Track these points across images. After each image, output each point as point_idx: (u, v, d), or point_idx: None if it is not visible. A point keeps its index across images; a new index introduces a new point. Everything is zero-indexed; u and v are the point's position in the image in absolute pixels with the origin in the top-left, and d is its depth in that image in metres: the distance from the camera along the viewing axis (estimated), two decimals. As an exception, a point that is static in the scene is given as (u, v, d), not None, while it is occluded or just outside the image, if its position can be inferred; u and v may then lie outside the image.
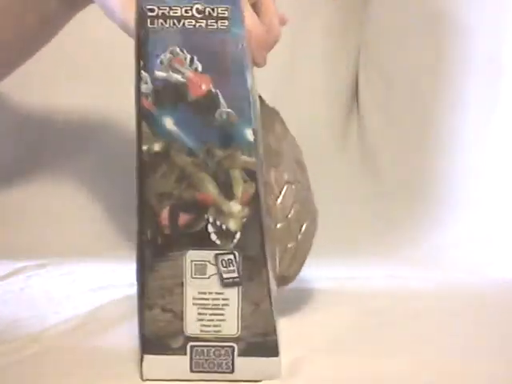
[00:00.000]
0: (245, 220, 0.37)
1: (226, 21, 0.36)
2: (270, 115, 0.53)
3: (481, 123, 0.80)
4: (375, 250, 0.75)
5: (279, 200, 0.50)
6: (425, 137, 0.86)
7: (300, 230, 0.53)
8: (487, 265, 0.69)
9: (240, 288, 0.37)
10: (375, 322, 0.51)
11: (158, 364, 0.38)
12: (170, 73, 0.36)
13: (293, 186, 0.54)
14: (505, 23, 0.78)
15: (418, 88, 0.89)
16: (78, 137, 0.81)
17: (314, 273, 0.61)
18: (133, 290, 0.57)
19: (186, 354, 0.38)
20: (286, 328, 0.42)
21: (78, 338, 0.46)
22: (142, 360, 0.38)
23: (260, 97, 0.48)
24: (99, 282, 0.58)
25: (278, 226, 0.50)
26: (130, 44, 0.38)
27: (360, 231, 0.80)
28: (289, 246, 0.52)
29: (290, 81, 0.94)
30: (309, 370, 0.40)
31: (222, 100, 0.36)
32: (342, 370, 0.40)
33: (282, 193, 0.52)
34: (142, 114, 0.36)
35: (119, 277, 0.59)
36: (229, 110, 0.36)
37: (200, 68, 0.36)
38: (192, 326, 0.38)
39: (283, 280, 0.50)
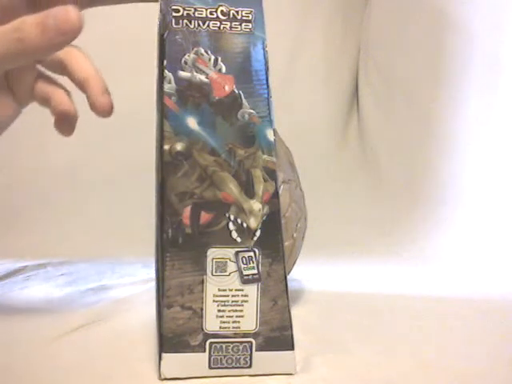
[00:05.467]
0: (265, 218, 0.38)
1: (250, 24, 0.37)
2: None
3: (480, 123, 0.82)
4: (375, 249, 0.76)
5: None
6: (425, 136, 0.87)
7: (295, 228, 0.55)
8: (487, 265, 0.72)
9: (259, 284, 0.38)
10: (375, 321, 0.52)
11: (177, 362, 0.38)
12: (194, 73, 0.36)
13: (288, 185, 0.55)
14: (504, 23, 0.80)
15: (417, 88, 0.90)
16: (80, 138, 0.78)
17: (314, 272, 0.62)
18: (133, 289, 0.57)
19: (204, 351, 0.38)
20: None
21: (81, 338, 0.45)
22: (160, 359, 0.38)
23: None
24: (99, 282, 0.57)
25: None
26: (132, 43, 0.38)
27: (360, 231, 0.81)
28: (286, 244, 0.53)
29: (291, 81, 0.94)
30: (309, 369, 0.40)
31: (244, 101, 0.37)
32: (340, 369, 0.41)
33: (280, 192, 0.54)
34: (165, 114, 0.36)
35: (119, 277, 0.59)
36: (251, 110, 0.37)
37: (224, 69, 0.37)
38: (211, 323, 0.38)
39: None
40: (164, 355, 0.38)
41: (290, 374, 0.39)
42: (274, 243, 0.38)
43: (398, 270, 0.71)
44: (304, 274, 0.59)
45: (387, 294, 0.60)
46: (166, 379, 0.38)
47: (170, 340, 0.38)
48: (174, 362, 0.38)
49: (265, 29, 0.37)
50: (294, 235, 0.55)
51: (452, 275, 0.70)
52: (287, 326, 0.39)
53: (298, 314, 0.52)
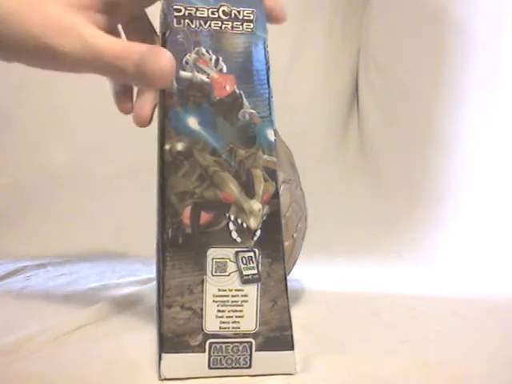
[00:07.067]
0: (265, 218, 0.38)
1: (251, 23, 0.37)
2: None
3: (480, 123, 0.82)
4: (375, 249, 0.76)
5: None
6: (425, 136, 0.87)
7: (296, 228, 0.55)
8: (487, 265, 0.72)
9: (259, 285, 0.38)
10: (375, 321, 0.52)
11: (177, 362, 0.38)
12: (195, 73, 0.36)
13: (288, 185, 0.55)
14: (504, 23, 0.80)
15: (417, 88, 0.91)
16: (80, 138, 0.79)
17: (314, 272, 0.62)
18: (133, 289, 0.57)
19: (204, 351, 0.38)
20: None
21: (81, 338, 0.45)
22: (160, 359, 0.38)
23: None
24: (100, 282, 0.58)
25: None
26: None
27: (360, 231, 0.81)
28: (286, 244, 0.53)
29: (291, 81, 0.95)
30: (309, 369, 0.40)
31: (245, 101, 0.37)
32: (340, 369, 0.41)
33: (280, 192, 0.53)
34: (166, 113, 0.36)
35: (119, 276, 0.59)
36: (252, 110, 0.37)
37: (225, 69, 0.37)
38: (211, 323, 0.38)
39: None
40: (164, 355, 0.38)
41: (290, 374, 0.39)
42: (274, 243, 0.38)
43: (398, 270, 0.71)
44: (304, 273, 0.59)
45: (387, 294, 0.60)
46: (166, 379, 0.38)
47: (170, 340, 0.38)
48: (174, 362, 0.38)
49: (266, 29, 0.37)
50: (294, 235, 0.55)
51: (452, 275, 0.70)
52: (287, 326, 0.39)
53: (297, 314, 0.52)
